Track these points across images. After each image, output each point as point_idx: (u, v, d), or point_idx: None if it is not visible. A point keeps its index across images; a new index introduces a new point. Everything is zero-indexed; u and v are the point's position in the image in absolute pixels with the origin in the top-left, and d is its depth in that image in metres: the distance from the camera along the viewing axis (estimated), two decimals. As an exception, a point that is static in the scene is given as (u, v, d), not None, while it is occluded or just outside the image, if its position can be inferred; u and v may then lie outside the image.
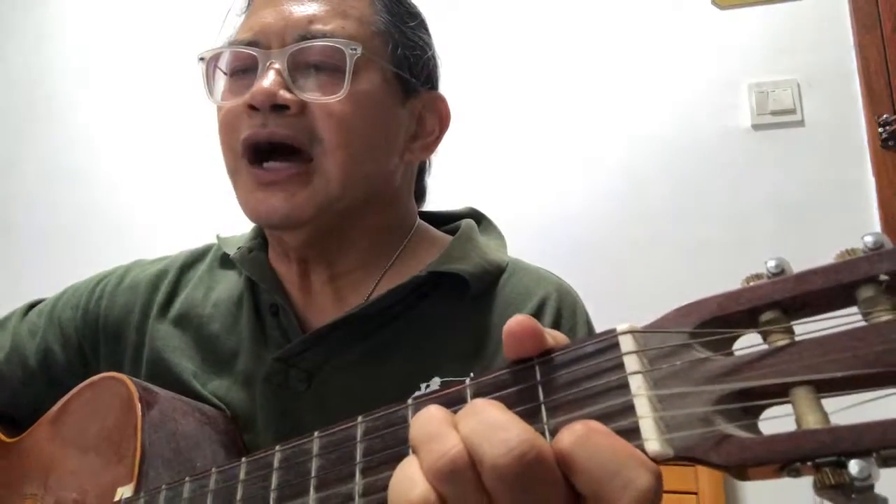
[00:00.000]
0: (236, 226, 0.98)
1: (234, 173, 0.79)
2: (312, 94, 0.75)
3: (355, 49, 0.76)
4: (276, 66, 0.75)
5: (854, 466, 0.32)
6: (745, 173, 2.02)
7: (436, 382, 0.75)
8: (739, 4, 2.11)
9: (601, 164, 2.15)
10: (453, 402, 0.44)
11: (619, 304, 1.87)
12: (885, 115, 1.93)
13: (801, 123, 2.02)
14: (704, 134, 2.08)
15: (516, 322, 0.43)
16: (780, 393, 0.35)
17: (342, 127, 0.75)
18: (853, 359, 0.34)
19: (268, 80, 0.74)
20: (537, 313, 0.80)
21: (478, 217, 0.95)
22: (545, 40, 2.27)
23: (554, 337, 0.44)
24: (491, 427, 0.38)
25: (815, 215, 1.93)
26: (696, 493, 1.60)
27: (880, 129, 1.93)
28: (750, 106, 2.06)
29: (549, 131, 2.21)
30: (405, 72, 0.82)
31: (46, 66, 2.80)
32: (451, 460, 0.38)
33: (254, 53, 0.77)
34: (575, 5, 2.26)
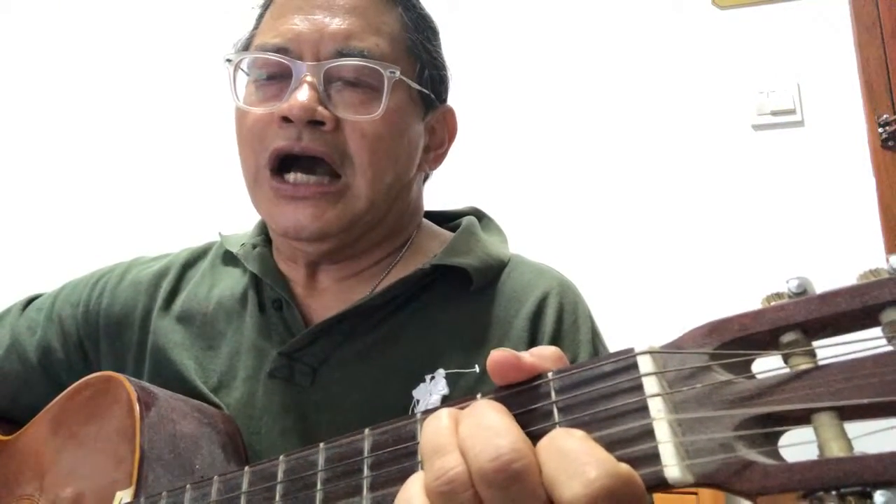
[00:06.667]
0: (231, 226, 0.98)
1: (255, 181, 0.79)
2: (347, 112, 0.75)
3: (394, 73, 0.76)
4: (311, 79, 0.74)
5: (880, 497, 0.32)
6: (745, 173, 2.02)
7: (440, 374, 0.76)
8: (739, 4, 2.11)
9: (601, 164, 2.14)
10: None
11: (617, 305, 1.88)
12: (885, 115, 1.93)
13: (801, 123, 2.02)
14: (704, 134, 2.07)
15: (491, 359, 0.43)
16: (802, 418, 0.35)
17: (374, 146, 0.76)
18: (879, 384, 0.33)
19: (304, 93, 0.73)
20: (539, 308, 0.80)
21: (479, 215, 0.95)
22: (545, 41, 2.26)
23: (535, 354, 0.44)
24: (486, 430, 0.39)
25: (815, 215, 1.93)
26: (695, 494, 1.60)
27: (880, 129, 1.92)
28: (750, 106, 2.05)
29: (549, 132, 2.20)
30: (428, 90, 0.83)
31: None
32: (447, 482, 0.38)
33: (287, 63, 0.76)
34: (574, 7, 2.25)
